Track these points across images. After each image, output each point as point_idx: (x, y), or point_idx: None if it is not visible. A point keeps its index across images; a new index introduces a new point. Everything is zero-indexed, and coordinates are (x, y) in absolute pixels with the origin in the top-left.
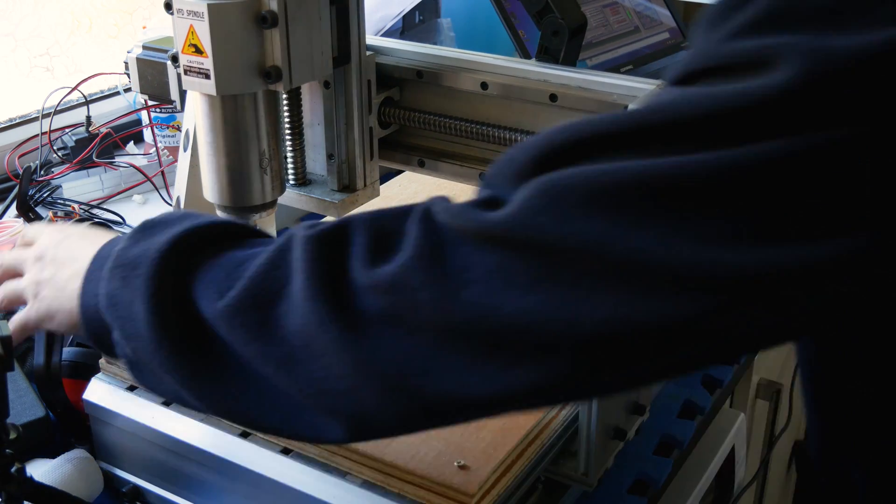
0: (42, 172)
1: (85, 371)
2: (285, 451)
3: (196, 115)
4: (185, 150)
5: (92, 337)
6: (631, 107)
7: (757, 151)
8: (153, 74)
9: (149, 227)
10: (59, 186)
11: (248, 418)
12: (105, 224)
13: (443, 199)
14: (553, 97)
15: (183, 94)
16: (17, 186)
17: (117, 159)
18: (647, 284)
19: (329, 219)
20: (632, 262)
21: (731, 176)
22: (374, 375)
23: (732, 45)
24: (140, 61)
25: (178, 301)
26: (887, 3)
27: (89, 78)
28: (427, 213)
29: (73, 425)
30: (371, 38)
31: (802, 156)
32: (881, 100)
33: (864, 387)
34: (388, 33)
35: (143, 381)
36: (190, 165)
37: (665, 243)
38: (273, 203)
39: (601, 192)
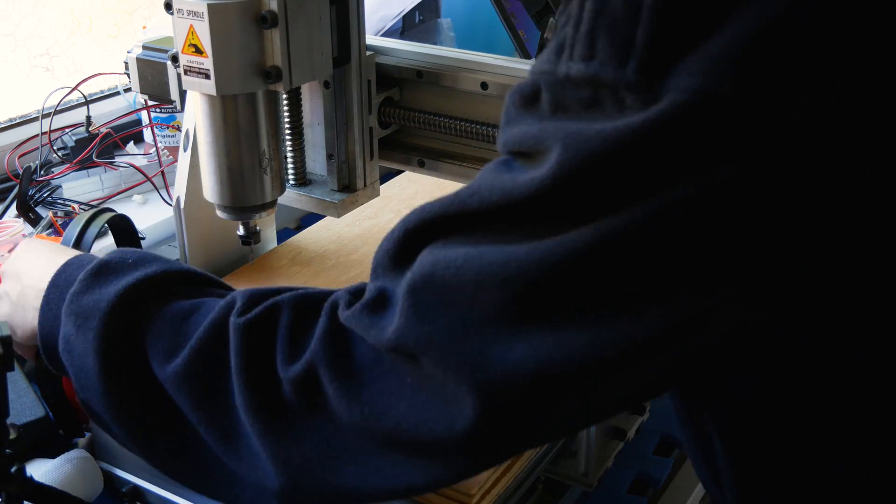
0: (42, 172)
1: None
2: None
3: (196, 115)
4: (185, 150)
5: (52, 364)
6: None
7: (556, 241)
8: (153, 74)
9: (103, 273)
10: (59, 186)
11: (191, 480)
12: (108, 210)
13: (347, 294)
14: None
15: (183, 94)
16: (17, 186)
17: (117, 159)
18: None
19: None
20: (478, 361)
21: (545, 267)
22: (287, 462)
23: (516, 130)
24: (140, 61)
25: (128, 358)
26: (633, 92)
27: (89, 78)
28: (334, 310)
29: (70, 421)
30: (371, 38)
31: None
32: (642, 177)
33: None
34: (388, 33)
35: (96, 421)
36: (190, 165)
37: (509, 341)
38: (273, 203)
39: (449, 293)
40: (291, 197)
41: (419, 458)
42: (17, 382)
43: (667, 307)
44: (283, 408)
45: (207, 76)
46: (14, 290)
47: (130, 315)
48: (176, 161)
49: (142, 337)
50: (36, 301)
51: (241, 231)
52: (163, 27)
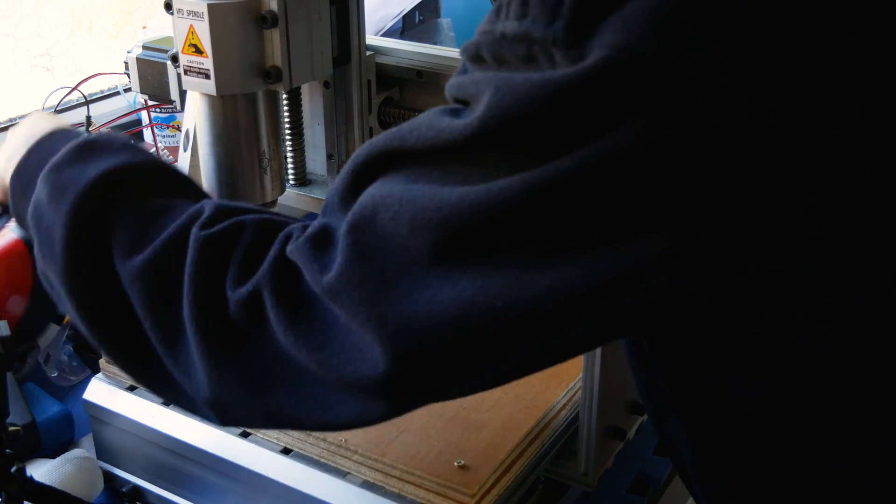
0: None
1: None
2: (285, 451)
3: (196, 115)
4: (185, 150)
5: (14, 214)
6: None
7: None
8: (153, 74)
9: (87, 150)
10: None
11: (133, 372)
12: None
13: (301, 227)
14: None
15: (183, 94)
16: None
17: None
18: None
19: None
20: (403, 304)
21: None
22: (222, 377)
23: (460, 79)
24: (140, 61)
25: (94, 241)
26: (562, 48)
27: (89, 78)
28: (286, 240)
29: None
30: (371, 38)
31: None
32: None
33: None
34: (388, 33)
35: (50, 290)
36: (190, 165)
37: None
38: (273, 203)
39: (386, 237)
40: (291, 197)
41: (347, 394)
42: (8, 387)
43: (591, 260)
44: (225, 325)
45: (207, 76)
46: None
47: (105, 199)
48: (176, 161)
49: (111, 225)
50: (13, 155)
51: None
52: (163, 27)
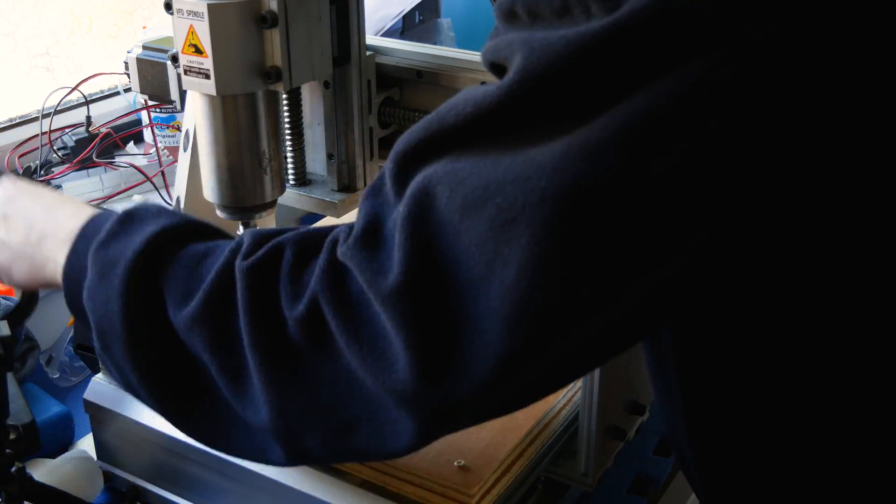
0: (42, 172)
1: None
2: None
3: (196, 115)
4: (185, 150)
5: (70, 309)
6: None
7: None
8: (153, 74)
9: (128, 222)
10: (59, 186)
11: (202, 431)
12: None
13: (347, 228)
14: None
15: (183, 94)
16: None
17: (117, 159)
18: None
19: (326, 221)
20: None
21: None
22: (289, 403)
23: (494, 42)
24: (140, 61)
25: (150, 304)
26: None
27: (89, 78)
28: (333, 245)
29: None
30: (371, 38)
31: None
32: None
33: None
34: (388, 33)
35: (109, 371)
36: (190, 165)
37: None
38: (273, 203)
39: (441, 225)
40: (291, 197)
41: (403, 412)
42: (8, 387)
43: (642, 224)
44: (287, 347)
45: (207, 76)
46: (14, 236)
47: (153, 261)
48: (176, 161)
49: (162, 284)
50: (51, 253)
51: (241, 231)
52: (163, 27)
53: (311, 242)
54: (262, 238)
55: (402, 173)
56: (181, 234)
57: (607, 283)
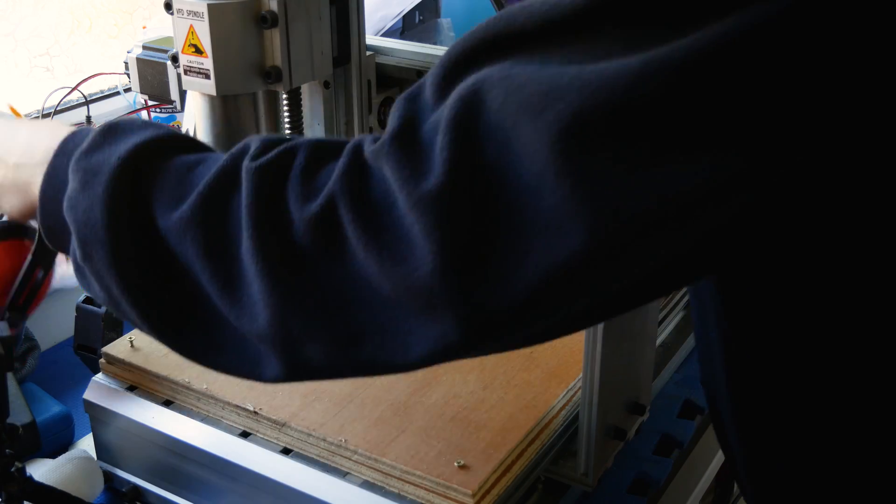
0: None
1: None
2: (285, 451)
3: (196, 115)
4: None
5: (45, 229)
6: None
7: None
8: (153, 74)
9: (111, 133)
10: None
11: (188, 345)
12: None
13: (373, 136)
14: None
15: (183, 94)
16: None
17: None
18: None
19: None
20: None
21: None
22: (299, 308)
23: None
24: (140, 61)
25: (135, 210)
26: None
27: (89, 78)
28: (356, 149)
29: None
30: (371, 38)
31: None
32: None
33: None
34: (388, 33)
35: (87, 285)
36: None
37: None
38: None
39: (493, 128)
40: None
41: (425, 319)
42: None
43: (704, 157)
44: (293, 250)
45: (207, 76)
46: (8, 159)
47: (139, 169)
48: None
49: (148, 189)
50: (30, 177)
51: None
52: (163, 27)
53: (326, 148)
54: (273, 142)
55: (449, 77)
56: (169, 144)
57: (662, 208)
